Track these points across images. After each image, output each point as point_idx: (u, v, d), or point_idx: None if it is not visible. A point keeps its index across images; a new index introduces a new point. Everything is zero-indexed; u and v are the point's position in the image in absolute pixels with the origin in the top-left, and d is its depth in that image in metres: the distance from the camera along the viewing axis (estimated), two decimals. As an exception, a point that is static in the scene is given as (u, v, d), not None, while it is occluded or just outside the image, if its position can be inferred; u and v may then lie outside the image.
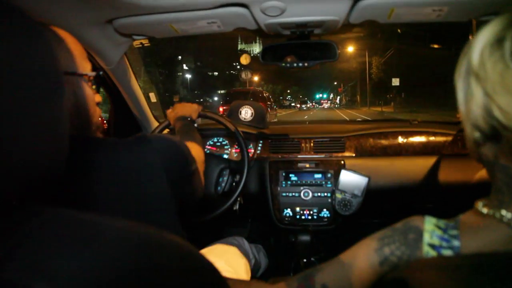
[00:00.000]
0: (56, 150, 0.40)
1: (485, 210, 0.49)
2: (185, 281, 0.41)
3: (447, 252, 0.50)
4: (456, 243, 0.50)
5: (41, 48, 0.38)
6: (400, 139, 1.72)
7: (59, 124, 0.40)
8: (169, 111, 1.39)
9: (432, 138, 1.69)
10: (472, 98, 0.45)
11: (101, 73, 0.85)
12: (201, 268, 0.46)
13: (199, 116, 1.41)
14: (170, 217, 0.80)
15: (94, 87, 0.84)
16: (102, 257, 0.33)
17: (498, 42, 0.42)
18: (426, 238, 0.53)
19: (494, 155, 0.48)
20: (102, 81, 1.52)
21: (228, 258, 1.32)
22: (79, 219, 0.37)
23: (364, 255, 0.59)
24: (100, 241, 0.35)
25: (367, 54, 34.44)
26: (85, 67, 0.82)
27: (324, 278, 0.63)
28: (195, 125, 1.35)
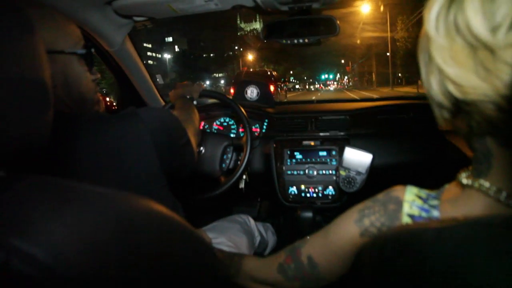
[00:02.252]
0: (38, 128, 0.42)
1: (465, 181, 0.49)
2: (166, 245, 0.43)
3: None
4: (435, 213, 0.50)
5: (19, 35, 0.40)
6: (406, 115, 1.69)
7: (42, 105, 0.42)
8: (171, 92, 1.41)
9: None
10: (431, 72, 0.43)
11: (92, 49, 0.85)
12: (184, 235, 0.48)
13: (201, 95, 1.43)
14: (159, 189, 0.81)
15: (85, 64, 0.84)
16: (80, 217, 0.35)
17: (444, 16, 0.39)
18: (406, 208, 0.53)
19: (468, 127, 0.46)
20: (104, 58, 1.55)
21: (229, 234, 1.35)
22: (59, 184, 0.39)
23: (345, 227, 0.60)
24: (79, 202, 0.37)
25: (388, 14, 27.14)
26: (76, 45, 0.81)
27: (309, 250, 0.65)
28: (194, 102, 1.37)
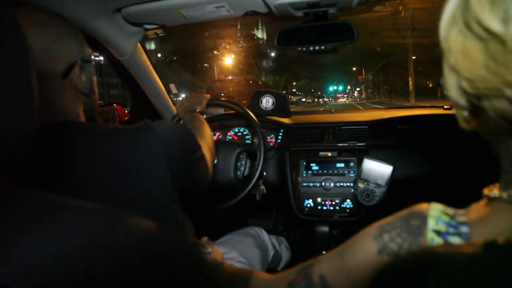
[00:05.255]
0: (20, 137, 0.40)
1: (492, 193, 0.45)
2: (154, 267, 0.39)
3: (455, 239, 0.45)
4: (464, 229, 0.45)
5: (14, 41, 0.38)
6: (429, 125, 1.61)
7: (26, 113, 0.40)
8: (178, 105, 1.38)
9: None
10: (448, 73, 0.43)
11: (101, 60, 0.89)
12: (178, 255, 0.44)
13: (208, 105, 1.39)
14: (169, 204, 0.78)
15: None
16: (52, 235, 0.32)
17: (453, 16, 0.40)
18: (431, 224, 0.48)
19: (487, 127, 0.43)
20: (115, 67, 1.54)
21: (242, 249, 1.30)
22: (35, 198, 0.37)
23: (362, 244, 0.55)
24: (53, 218, 0.34)
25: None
26: (91, 53, 0.85)
27: (322, 269, 0.59)
28: (204, 116, 1.33)
